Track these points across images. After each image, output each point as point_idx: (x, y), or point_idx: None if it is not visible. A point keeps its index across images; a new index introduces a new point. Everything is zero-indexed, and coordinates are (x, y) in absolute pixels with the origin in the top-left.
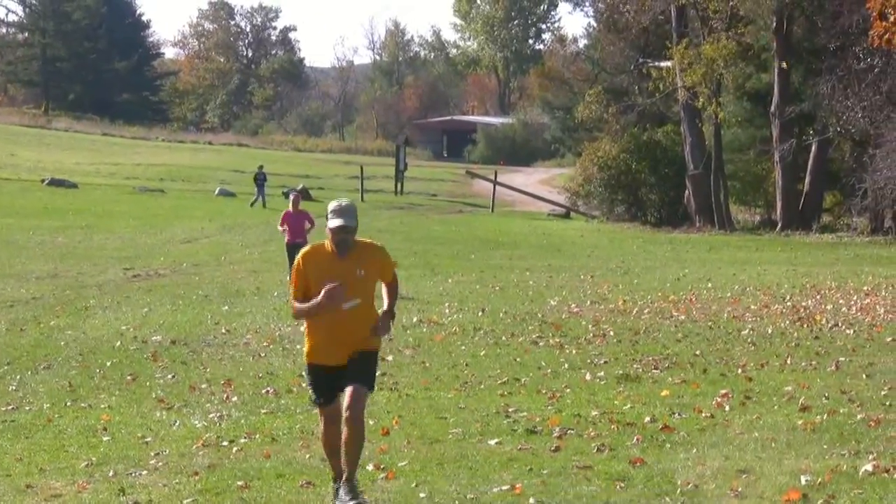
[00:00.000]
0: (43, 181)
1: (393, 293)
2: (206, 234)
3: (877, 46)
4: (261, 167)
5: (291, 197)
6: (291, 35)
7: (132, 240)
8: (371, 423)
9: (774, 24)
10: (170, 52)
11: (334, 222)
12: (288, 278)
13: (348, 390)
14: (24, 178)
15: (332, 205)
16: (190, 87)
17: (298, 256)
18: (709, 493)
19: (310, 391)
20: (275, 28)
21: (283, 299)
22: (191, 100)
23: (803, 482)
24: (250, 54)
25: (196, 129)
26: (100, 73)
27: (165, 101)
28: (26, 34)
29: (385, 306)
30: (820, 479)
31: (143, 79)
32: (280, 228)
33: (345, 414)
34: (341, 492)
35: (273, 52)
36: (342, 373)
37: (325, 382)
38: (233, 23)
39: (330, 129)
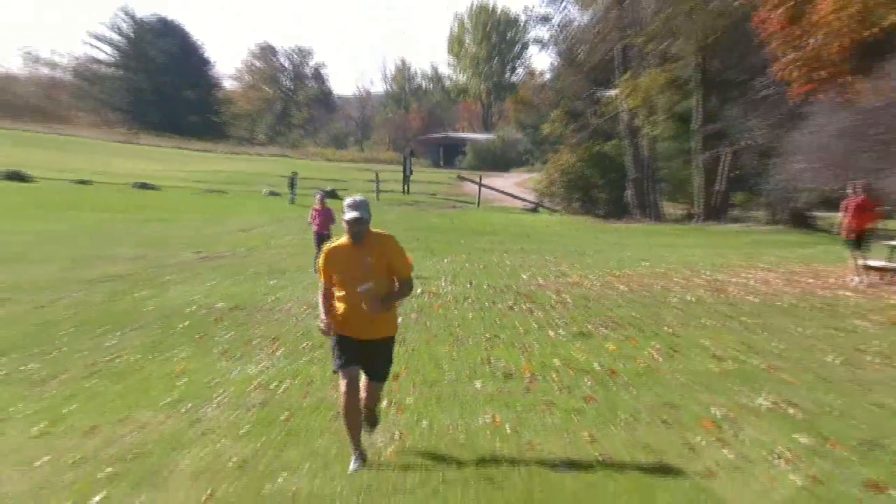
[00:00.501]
0: (131, 184)
1: (403, 287)
2: (257, 225)
3: (774, 79)
4: (294, 173)
5: (318, 197)
6: (322, 70)
7: (200, 230)
8: None
9: (696, 61)
10: (228, 84)
11: (350, 215)
12: (316, 260)
13: (365, 382)
14: (117, 182)
15: (347, 200)
16: (244, 111)
17: (324, 250)
18: (644, 421)
19: (333, 359)
20: (309, 65)
21: (316, 275)
22: (244, 121)
23: (717, 414)
24: (290, 85)
25: (249, 143)
26: (174, 100)
27: (225, 122)
28: (117, 70)
29: (391, 292)
30: (729, 412)
31: (208, 105)
32: (310, 221)
33: (362, 400)
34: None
35: (308, 83)
36: (364, 349)
37: (350, 347)
38: (276, 61)
39: (352, 144)
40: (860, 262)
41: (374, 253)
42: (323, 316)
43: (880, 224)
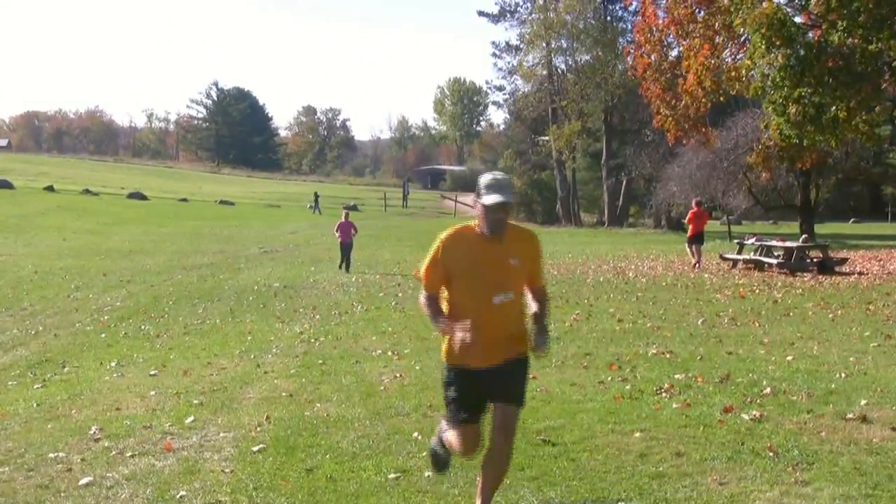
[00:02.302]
0: (216, 201)
1: (545, 303)
2: (301, 229)
3: (655, 128)
4: (316, 193)
5: (344, 212)
6: (347, 123)
7: (262, 232)
8: (389, 329)
9: (603, 116)
10: (283, 132)
11: (491, 198)
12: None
13: (500, 409)
14: (206, 199)
15: (485, 178)
16: (294, 151)
17: (438, 241)
18: (569, 365)
19: (450, 406)
20: (338, 118)
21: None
22: (294, 158)
23: (619, 360)
24: (325, 133)
25: (297, 173)
26: (246, 143)
27: (280, 159)
28: (207, 122)
29: (535, 318)
30: (628, 358)
31: (269, 146)
32: (335, 233)
33: (497, 437)
34: None
35: (337, 131)
36: (491, 379)
37: (473, 393)
38: (316, 116)
39: (367, 173)
40: (696, 254)
41: (517, 253)
42: (437, 316)
43: (726, 226)
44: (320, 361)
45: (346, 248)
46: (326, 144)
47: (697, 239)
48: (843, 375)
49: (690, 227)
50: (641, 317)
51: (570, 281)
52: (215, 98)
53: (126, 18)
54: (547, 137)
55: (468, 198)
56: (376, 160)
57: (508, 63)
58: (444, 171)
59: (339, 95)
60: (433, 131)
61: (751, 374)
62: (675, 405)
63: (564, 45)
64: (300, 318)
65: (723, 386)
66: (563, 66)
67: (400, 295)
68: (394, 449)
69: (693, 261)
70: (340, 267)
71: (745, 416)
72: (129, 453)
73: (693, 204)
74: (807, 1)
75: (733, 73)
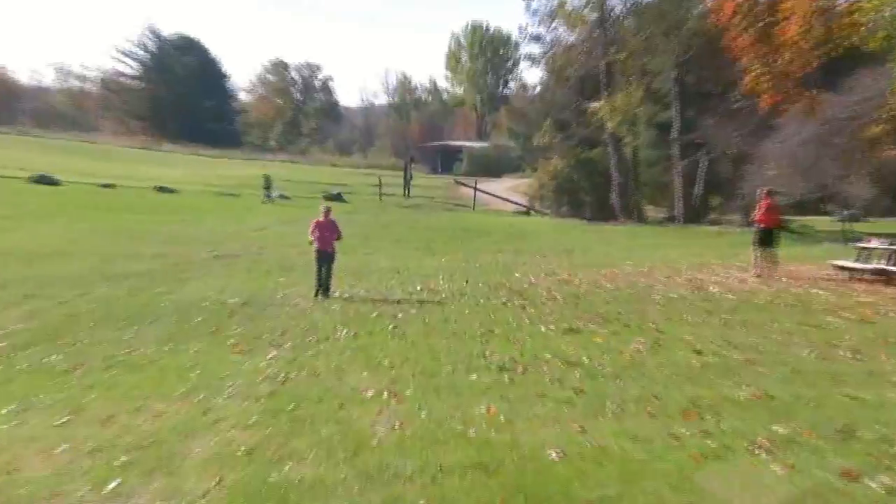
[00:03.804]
0: (152, 188)
1: None
2: (269, 226)
3: (745, 92)
4: (267, 178)
5: (323, 208)
6: (329, 83)
7: (215, 230)
8: (385, 362)
9: (673, 75)
10: (243, 96)
11: None
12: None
13: None
14: (140, 185)
15: None
16: (257, 120)
17: None
18: (630, 412)
19: None
20: (318, 78)
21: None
22: (257, 130)
23: (699, 405)
24: (300, 97)
25: (261, 150)
26: (193, 110)
27: (239, 131)
28: (141, 82)
29: None
30: (710, 403)
31: (224, 114)
32: (310, 236)
33: None
34: None
35: (316, 95)
36: None
37: None
38: (288, 75)
39: (356, 150)
40: (763, 260)
41: None
42: None
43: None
44: (291, 406)
45: (324, 261)
46: (301, 112)
47: (768, 239)
48: None
49: (760, 222)
50: (727, 346)
51: (631, 298)
52: (152, 49)
53: None
54: (598, 103)
55: (494, 184)
56: (368, 133)
57: (547, 4)
58: (459, 148)
59: (318, 47)
60: (445, 95)
61: (880, 427)
62: (775, 468)
63: None
64: (264, 346)
65: (841, 442)
66: (620, 9)
67: (400, 315)
68: None
69: (757, 269)
70: (317, 294)
71: (874, 485)
72: None
73: (762, 193)
74: None
75: (851, 18)
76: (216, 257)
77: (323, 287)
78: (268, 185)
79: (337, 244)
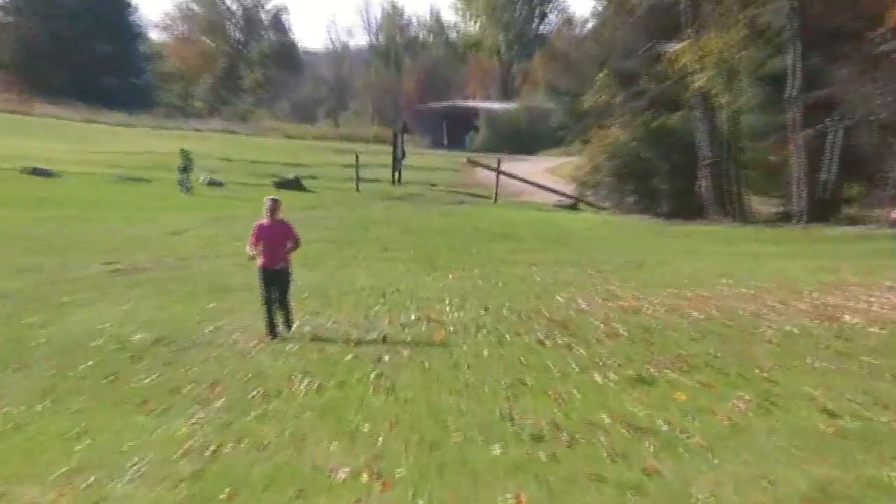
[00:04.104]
0: (23, 170)
1: None
2: (192, 225)
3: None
4: (185, 152)
5: (268, 201)
6: (283, 17)
7: (114, 231)
8: (365, 428)
9: (791, 5)
10: (155, 35)
11: None
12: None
13: None
14: (2, 166)
15: None
16: (176, 71)
17: None
18: (729, 502)
19: None
20: (265, 8)
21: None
22: (177, 85)
23: (830, 492)
24: (240, 37)
25: (182, 115)
26: (81, 56)
27: (150, 86)
28: (5, 15)
29: None
30: (848, 489)
31: (127, 63)
32: (250, 250)
33: None
34: None
35: (263, 34)
36: None
37: None
38: (221, 4)
39: (323, 116)
40: None
41: None
42: None
43: None
44: (226, 493)
45: (272, 284)
46: (242, 59)
47: None
48: None
49: None
50: (872, 405)
51: (729, 333)
52: None
53: None
54: (679, 46)
55: (525, 164)
56: (340, 90)
57: None
58: (474, 111)
59: None
60: (453, 34)
61: None
62: None
63: None
64: (186, 404)
65: None
66: None
67: (387, 359)
68: None
69: None
70: (270, 331)
71: None
72: None
73: None
74: None
75: None
76: (115, 272)
77: (272, 324)
78: (186, 167)
79: (292, 256)
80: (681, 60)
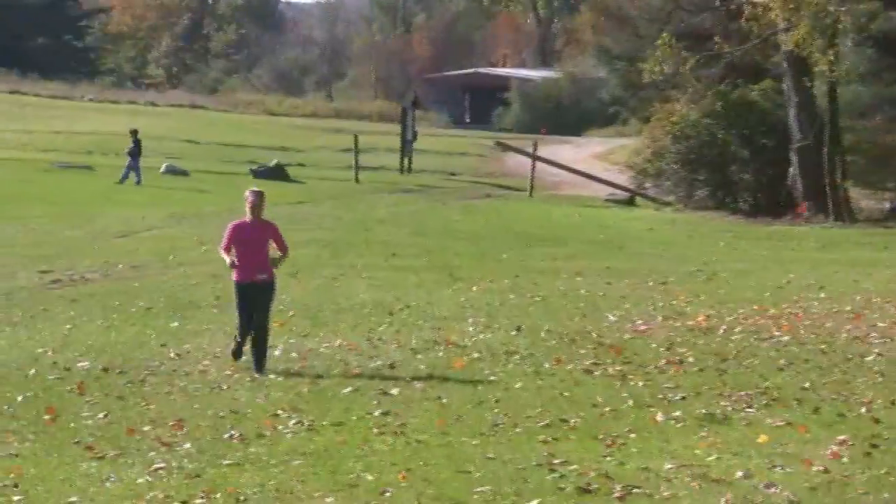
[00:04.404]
0: None
1: None
2: (148, 225)
3: None
4: (134, 131)
5: (250, 195)
6: None
7: (50, 233)
8: (369, 478)
9: None
10: None
11: None
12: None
13: None
14: None
15: None
16: (126, 29)
17: None
18: None
19: None
20: None
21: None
22: (128, 46)
23: None
24: None
25: (135, 85)
26: (6, 10)
27: (94, 48)
28: None
29: None
30: None
31: (64, 18)
32: (224, 255)
33: None
34: None
35: None
36: None
37: None
38: None
39: (313, 87)
40: None
41: None
42: None
43: None
44: None
45: (250, 299)
46: (210, 15)
47: None
48: None
49: None
50: None
51: (824, 359)
52: None
53: None
54: None
55: (568, 149)
56: (335, 54)
57: None
58: (503, 80)
59: None
60: None
61: None
62: None
63: None
64: (144, 448)
65: None
66: None
67: (395, 392)
68: None
69: None
70: (239, 349)
71: None
72: None
73: None
74: None
75: None
76: (51, 284)
77: (251, 350)
78: (135, 150)
79: (277, 266)
80: (764, 17)
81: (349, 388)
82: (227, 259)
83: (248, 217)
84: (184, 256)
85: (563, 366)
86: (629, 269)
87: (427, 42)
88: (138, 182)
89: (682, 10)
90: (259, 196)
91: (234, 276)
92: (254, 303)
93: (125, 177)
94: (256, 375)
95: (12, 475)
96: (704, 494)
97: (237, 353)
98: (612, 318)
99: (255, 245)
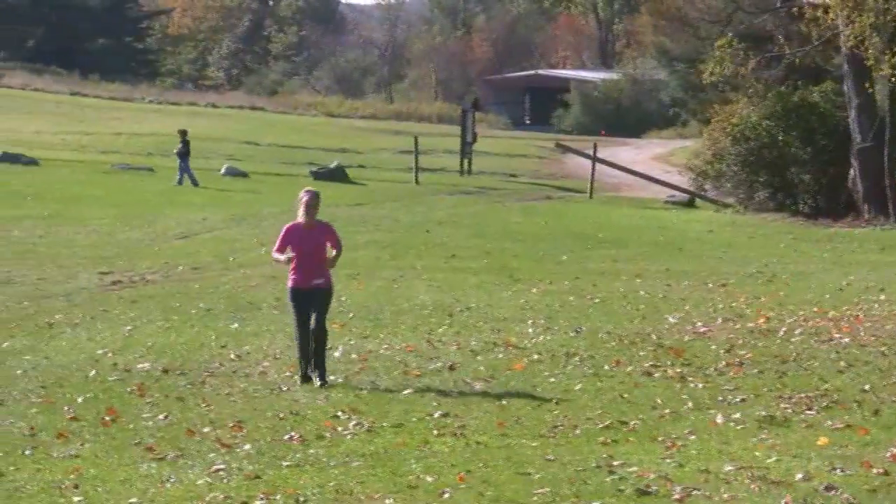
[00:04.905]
0: None
1: None
2: (208, 226)
3: None
4: (183, 135)
5: (304, 195)
6: None
7: (111, 234)
8: (428, 480)
9: None
10: None
11: None
12: (304, 375)
13: None
14: None
15: None
16: (187, 31)
17: None
18: None
19: None
20: None
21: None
22: (188, 48)
23: None
24: None
25: (195, 86)
26: (67, 11)
27: (154, 51)
28: None
29: None
30: None
31: (124, 20)
32: (279, 256)
33: None
34: None
35: None
36: None
37: None
38: None
39: (373, 88)
40: None
41: None
42: None
43: None
44: None
45: (307, 305)
46: (271, 16)
47: None
48: None
49: None
50: None
51: (885, 361)
52: None
53: None
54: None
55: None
56: (395, 56)
57: None
58: (563, 81)
59: None
60: None
61: None
62: None
63: None
64: (204, 449)
65: None
66: None
67: (454, 394)
68: None
69: None
70: (306, 373)
71: None
72: None
73: None
74: None
75: None
76: (112, 285)
77: (312, 363)
78: (183, 150)
79: (332, 267)
80: (826, 18)
81: (409, 390)
82: (283, 257)
83: (302, 218)
84: (243, 258)
85: (623, 368)
86: (689, 270)
87: (487, 43)
88: (180, 182)
89: (742, 11)
90: (314, 196)
91: (288, 281)
92: (310, 308)
93: (181, 178)
94: (318, 385)
95: (73, 476)
96: (764, 496)
97: (305, 377)
98: (671, 319)
99: (310, 248)
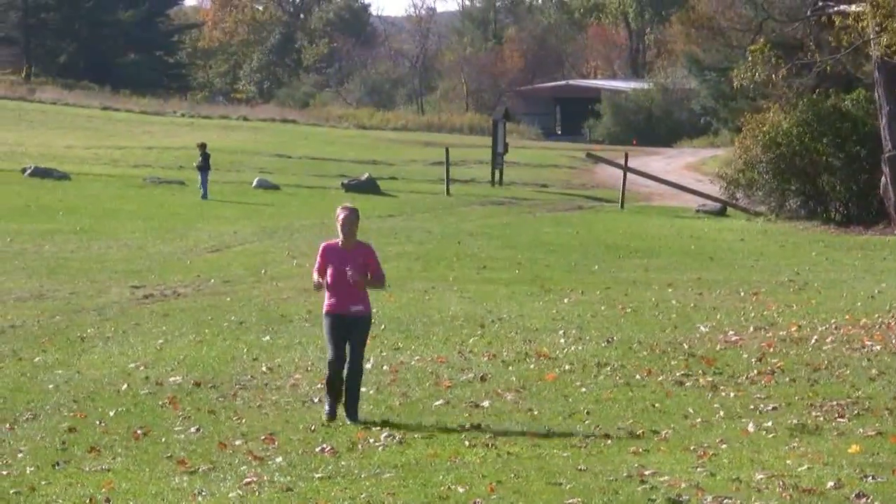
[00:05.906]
0: (24, 171)
1: None
2: (240, 239)
3: None
4: (203, 148)
5: (342, 212)
6: None
7: (142, 248)
8: (460, 490)
9: None
10: (191, 2)
11: None
12: (329, 409)
13: None
14: (1, 163)
15: None
16: (218, 44)
17: None
18: None
19: None
20: None
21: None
22: (219, 62)
23: None
24: (297, 1)
25: (227, 100)
26: (98, 27)
27: (185, 64)
28: None
29: None
30: None
31: (156, 34)
32: (316, 279)
33: None
34: None
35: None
36: None
37: None
38: None
39: (404, 100)
40: None
41: None
42: None
43: None
44: None
45: (344, 332)
46: (302, 29)
47: None
48: None
49: None
50: None
51: None
52: None
53: None
54: (857, 7)
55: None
56: (426, 68)
57: None
58: (594, 91)
59: None
60: None
61: None
62: None
63: None
64: (236, 462)
65: None
66: None
67: (486, 405)
68: None
69: None
70: (334, 410)
71: None
72: None
73: None
74: None
75: None
76: (144, 299)
77: (343, 396)
78: (203, 163)
79: (366, 285)
80: (858, 25)
81: (440, 401)
82: (316, 278)
83: (339, 238)
84: (275, 270)
85: (655, 377)
86: (720, 279)
87: (518, 54)
88: (204, 196)
89: (773, 20)
90: (351, 213)
91: (324, 306)
92: (346, 341)
93: (206, 192)
94: (348, 422)
95: (104, 490)
96: None
97: (332, 413)
98: (703, 328)
99: (345, 269)
